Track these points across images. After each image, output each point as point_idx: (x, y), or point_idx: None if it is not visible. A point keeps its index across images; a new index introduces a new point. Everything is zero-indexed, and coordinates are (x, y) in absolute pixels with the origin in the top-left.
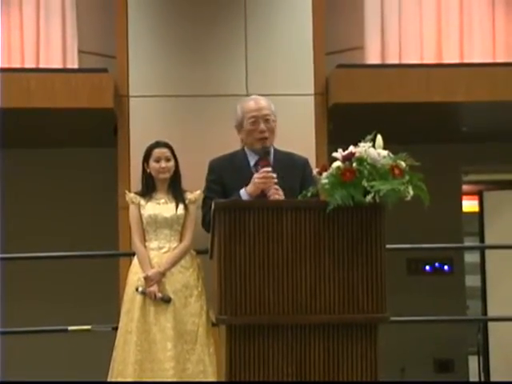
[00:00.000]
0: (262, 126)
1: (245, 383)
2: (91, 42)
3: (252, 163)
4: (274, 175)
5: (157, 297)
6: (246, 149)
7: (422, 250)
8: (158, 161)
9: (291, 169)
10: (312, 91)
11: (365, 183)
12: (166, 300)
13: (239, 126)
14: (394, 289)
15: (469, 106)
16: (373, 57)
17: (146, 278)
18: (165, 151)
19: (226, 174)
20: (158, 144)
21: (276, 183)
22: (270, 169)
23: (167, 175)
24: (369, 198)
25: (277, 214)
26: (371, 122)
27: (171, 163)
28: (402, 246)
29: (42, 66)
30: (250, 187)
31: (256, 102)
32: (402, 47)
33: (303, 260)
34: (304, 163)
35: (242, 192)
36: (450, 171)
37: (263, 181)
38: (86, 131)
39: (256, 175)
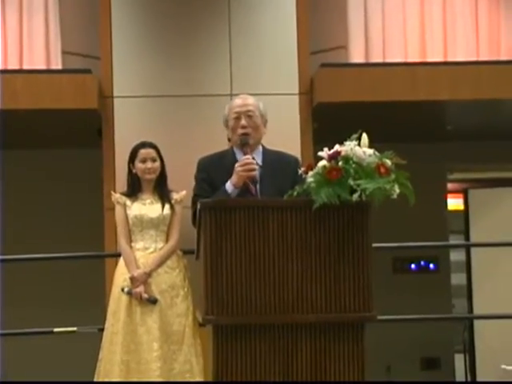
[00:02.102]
0: (243, 121)
1: (232, 383)
2: (75, 43)
3: None
4: (255, 162)
5: (143, 298)
6: (234, 148)
7: (407, 249)
8: (143, 161)
9: (282, 168)
10: (296, 91)
11: (351, 182)
12: (152, 301)
13: (226, 125)
14: (380, 287)
15: (453, 104)
16: (357, 56)
17: (132, 279)
18: (151, 151)
19: (215, 173)
20: (143, 145)
21: (256, 170)
22: (249, 156)
23: (153, 176)
24: (355, 196)
25: (263, 214)
26: (356, 121)
27: (157, 164)
28: (388, 244)
29: (25, 67)
30: (233, 178)
31: (241, 99)
32: (385, 46)
33: (290, 259)
34: (295, 162)
35: (228, 185)
36: (434, 169)
37: (245, 168)
38: (70, 132)
39: (237, 164)
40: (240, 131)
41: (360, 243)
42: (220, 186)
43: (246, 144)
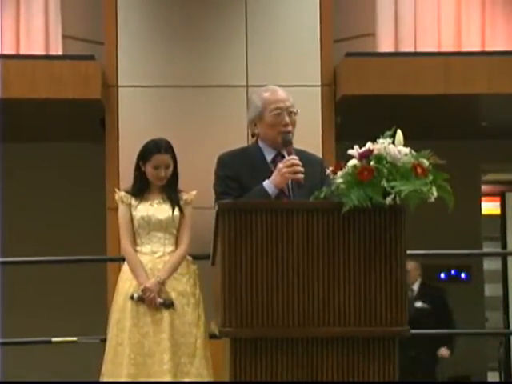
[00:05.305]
0: (287, 118)
1: None
2: (76, 27)
3: (269, 159)
4: (300, 163)
5: (157, 303)
6: (260, 144)
7: (436, 257)
8: (156, 168)
9: (309, 167)
10: (319, 82)
11: (384, 183)
12: (168, 305)
13: (257, 119)
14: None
15: (490, 98)
16: (385, 44)
17: (145, 290)
18: (166, 158)
19: (242, 171)
20: (159, 149)
21: (302, 172)
22: (295, 156)
23: (164, 182)
24: (389, 199)
25: (287, 217)
26: (383, 116)
27: (170, 170)
28: (415, 251)
29: (22, 52)
30: (276, 178)
31: (276, 93)
32: (417, 34)
33: (315, 267)
34: (321, 162)
35: (267, 184)
36: (468, 170)
37: (291, 170)
38: (70, 124)
39: (282, 164)
40: (283, 129)
41: (393, 250)
42: (248, 185)
43: (289, 143)
